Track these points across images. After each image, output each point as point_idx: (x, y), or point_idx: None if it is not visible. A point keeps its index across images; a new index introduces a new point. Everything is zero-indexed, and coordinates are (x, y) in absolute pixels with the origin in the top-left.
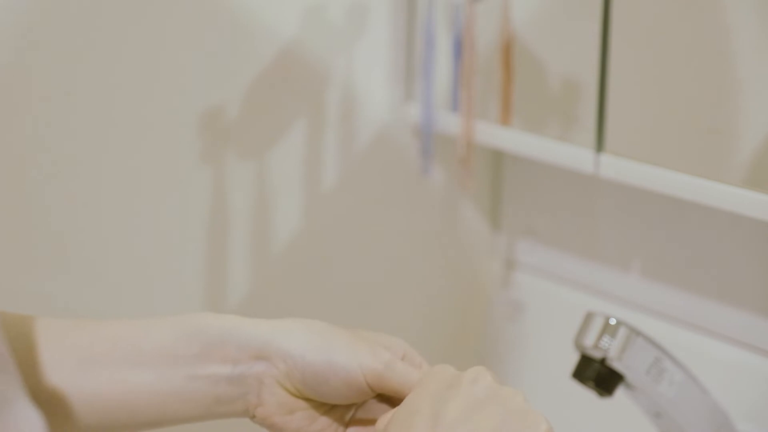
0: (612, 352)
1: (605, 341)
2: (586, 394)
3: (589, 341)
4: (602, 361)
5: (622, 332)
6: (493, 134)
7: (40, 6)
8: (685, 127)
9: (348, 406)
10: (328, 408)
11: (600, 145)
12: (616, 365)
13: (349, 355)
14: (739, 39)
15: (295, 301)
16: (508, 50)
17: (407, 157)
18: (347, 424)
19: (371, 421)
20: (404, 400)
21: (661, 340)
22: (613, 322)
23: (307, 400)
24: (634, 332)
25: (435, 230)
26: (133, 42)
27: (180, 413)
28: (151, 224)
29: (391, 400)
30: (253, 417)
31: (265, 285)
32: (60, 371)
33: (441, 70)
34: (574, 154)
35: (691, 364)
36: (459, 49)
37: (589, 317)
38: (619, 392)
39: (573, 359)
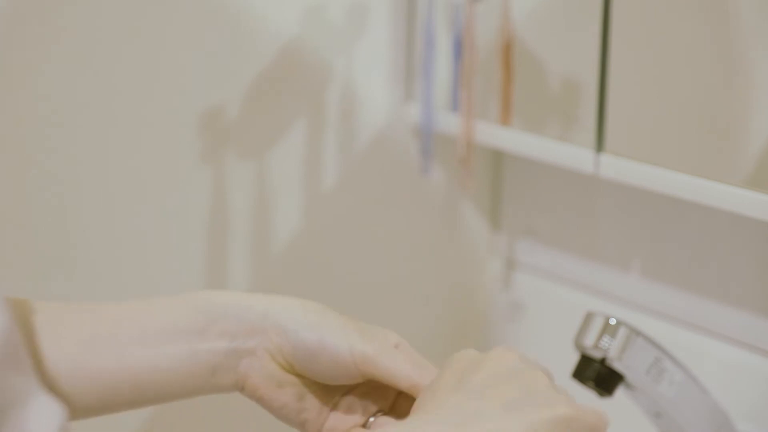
0: (612, 352)
1: (605, 341)
2: (586, 394)
3: (589, 341)
4: (602, 361)
5: (622, 332)
6: (493, 134)
7: (40, 5)
8: (685, 127)
9: (336, 391)
10: (316, 388)
11: (600, 145)
12: (616, 365)
13: (341, 335)
14: (740, 39)
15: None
16: (508, 50)
17: (407, 157)
18: (332, 409)
19: (355, 410)
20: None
21: (661, 340)
22: (613, 322)
23: (297, 376)
24: (634, 332)
25: (435, 230)
26: (133, 42)
27: (177, 389)
28: (152, 224)
29: (382, 390)
30: (242, 389)
31: (265, 285)
32: (60, 352)
33: (441, 70)
34: (574, 154)
35: (691, 364)
36: (459, 49)
37: (589, 317)
38: (619, 392)
39: (573, 359)
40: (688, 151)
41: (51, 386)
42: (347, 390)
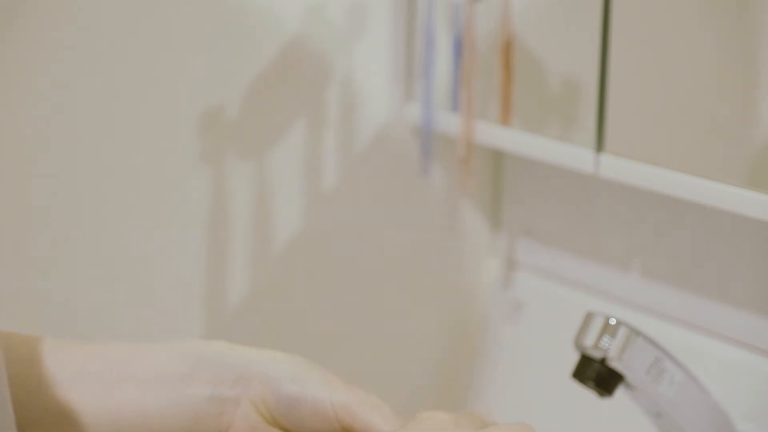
0: (612, 352)
1: (605, 341)
2: (586, 394)
3: (589, 341)
4: (602, 361)
5: (622, 332)
6: (493, 134)
7: (40, 5)
8: (685, 127)
9: None
10: None
11: (600, 145)
12: (616, 365)
13: (323, 385)
14: (740, 38)
15: (295, 301)
16: (508, 50)
17: (407, 157)
18: None
19: None
20: None
21: (661, 340)
22: (613, 322)
23: (279, 429)
24: (634, 332)
25: (435, 230)
26: (133, 42)
27: (162, 431)
28: (151, 224)
29: None
30: None
31: (264, 285)
32: (50, 387)
33: (441, 70)
34: (574, 154)
35: (691, 364)
36: (459, 49)
37: (589, 317)
38: (619, 392)
39: (573, 359)
40: (688, 151)
41: (42, 419)
42: None
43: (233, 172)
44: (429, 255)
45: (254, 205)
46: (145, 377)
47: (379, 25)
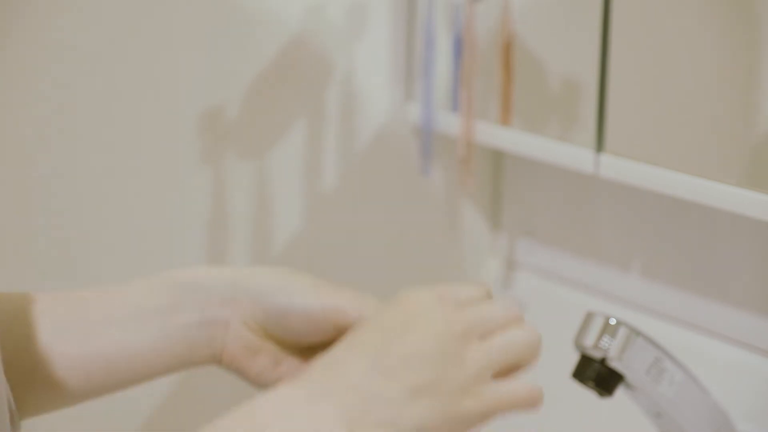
0: (612, 352)
1: (605, 341)
2: (586, 394)
3: (589, 341)
4: (602, 361)
5: (622, 332)
6: (493, 134)
7: (41, 5)
8: (685, 127)
9: (314, 351)
10: (294, 352)
11: (600, 145)
12: (616, 365)
13: (311, 292)
14: (740, 38)
15: None
16: (508, 50)
17: (407, 157)
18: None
19: None
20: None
21: (661, 340)
22: (613, 322)
23: (272, 342)
24: (634, 332)
25: (435, 230)
26: (133, 42)
27: (156, 366)
28: (152, 224)
29: None
30: (219, 362)
31: None
32: (36, 340)
33: (441, 70)
34: (574, 154)
35: (691, 364)
36: (459, 49)
37: (589, 317)
38: (619, 392)
39: (573, 359)
40: (688, 151)
41: (34, 372)
42: (326, 348)
43: (233, 172)
44: (429, 255)
45: (254, 205)
46: (127, 316)
47: (379, 25)
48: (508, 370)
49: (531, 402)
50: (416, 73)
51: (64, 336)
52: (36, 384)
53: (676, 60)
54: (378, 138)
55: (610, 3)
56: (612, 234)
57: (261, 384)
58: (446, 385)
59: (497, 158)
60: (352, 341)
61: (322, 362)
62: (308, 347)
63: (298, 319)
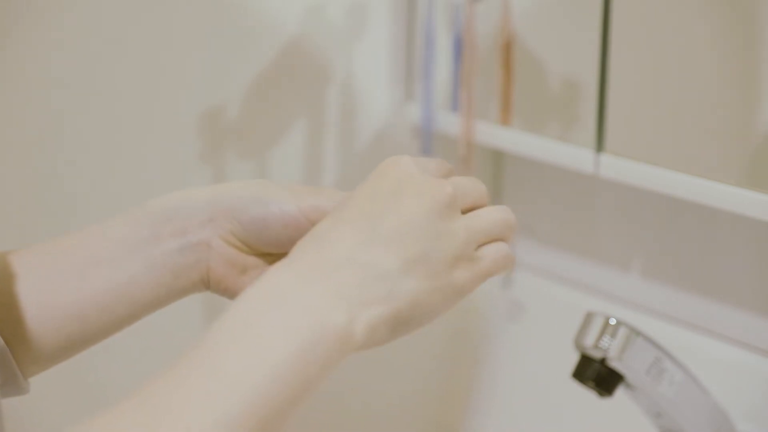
0: (612, 352)
1: (605, 341)
2: (586, 394)
3: (589, 341)
4: (602, 361)
5: (622, 332)
6: (493, 134)
7: (41, 5)
8: (685, 127)
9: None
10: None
11: (600, 145)
12: (616, 365)
13: (287, 197)
14: (740, 38)
15: None
16: (508, 50)
17: None
18: None
19: None
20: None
21: (661, 340)
22: (613, 322)
23: (257, 255)
24: (634, 332)
25: None
26: (134, 43)
27: (146, 301)
28: None
29: None
30: (208, 286)
31: None
32: (25, 294)
33: (441, 70)
34: (574, 154)
35: (691, 364)
36: (459, 49)
37: (589, 317)
38: (619, 392)
39: (573, 359)
40: (688, 151)
41: (27, 336)
42: None
43: (233, 172)
44: None
45: None
46: (111, 255)
47: (379, 25)
48: (486, 243)
49: (509, 264)
50: (416, 73)
51: (53, 286)
52: (34, 339)
53: (676, 60)
54: (378, 138)
55: (610, 3)
56: (612, 234)
57: None
58: (438, 256)
59: (497, 158)
60: (339, 216)
61: (309, 240)
62: None
63: (278, 226)
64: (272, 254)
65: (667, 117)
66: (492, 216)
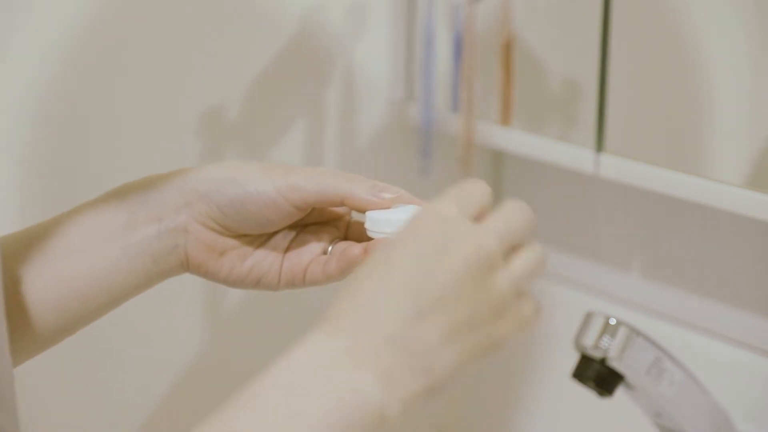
0: (612, 352)
1: (605, 341)
2: (586, 394)
3: (589, 341)
4: (602, 361)
5: (622, 332)
6: (493, 134)
7: (42, 5)
8: (684, 127)
9: (284, 235)
10: (260, 241)
11: (600, 145)
12: (616, 365)
13: (262, 177)
14: (740, 39)
15: (295, 301)
16: (508, 50)
17: (407, 157)
18: (286, 251)
19: (309, 244)
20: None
21: (661, 340)
22: (613, 322)
23: (236, 237)
24: (634, 332)
25: None
26: (134, 43)
27: (127, 286)
28: None
29: (330, 223)
30: (188, 268)
31: None
32: (8, 285)
33: (441, 70)
34: (574, 154)
35: (691, 364)
36: (459, 49)
37: (589, 317)
38: (619, 392)
39: (573, 359)
40: (688, 151)
41: (9, 325)
42: (295, 232)
43: None
44: None
45: None
46: (88, 243)
47: (379, 25)
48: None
49: (540, 313)
50: (416, 73)
51: (33, 276)
52: (15, 331)
53: (676, 59)
54: (378, 138)
55: (610, 3)
56: (612, 234)
57: (236, 284)
58: (480, 316)
59: (497, 158)
60: (384, 278)
61: (353, 301)
62: (274, 234)
63: (255, 207)
64: (249, 235)
65: (667, 117)
66: (532, 262)
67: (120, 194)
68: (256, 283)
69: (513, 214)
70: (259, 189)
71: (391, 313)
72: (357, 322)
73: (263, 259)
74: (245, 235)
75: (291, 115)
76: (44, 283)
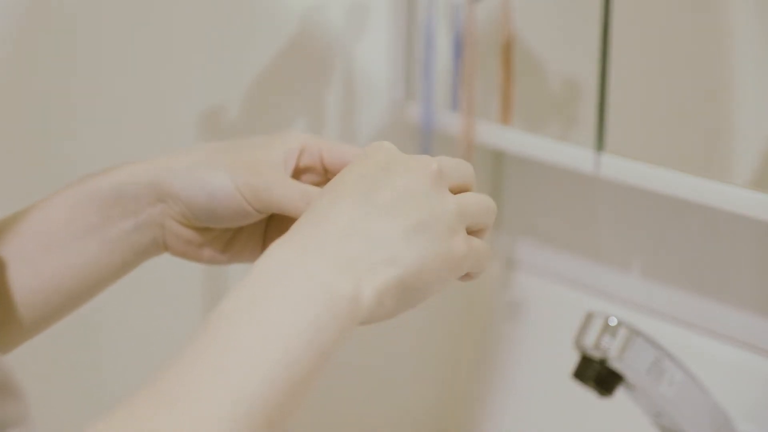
0: (612, 352)
1: (605, 341)
2: (586, 394)
3: (589, 341)
4: (602, 362)
5: (622, 332)
6: (493, 134)
7: (44, 6)
8: (685, 127)
9: (262, 222)
10: (238, 230)
11: (600, 144)
12: (617, 365)
13: (228, 179)
14: (741, 37)
15: None
16: (508, 49)
17: None
18: (264, 237)
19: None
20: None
21: (661, 340)
22: (613, 322)
23: (214, 230)
24: (634, 332)
25: None
26: (134, 43)
27: (104, 277)
28: None
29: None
30: (169, 252)
31: None
32: None
33: (441, 69)
34: (574, 154)
35: (691, 364)
36: (459, 48)
37: (589, 317)
38: (619, 392)
39: (573, 359)
40: (688, 150)
41: None
42: (279, 218)
43: None
44: None
45: None
46: (65, 238)
47: (379, 25)
48: (470, 231)
49: (489, 258)
50: (416, 72)
51: (12, 272)
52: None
53: (677, 59)
54: (378, 138)
55: (610, 3)
56: (612, 234)
57: (218, 263)
58: (436, 224)
59: (497, 158)
60: (334, 194)
61: (307, 217)
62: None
63: (221, 209)
64: (227, 227)
65: (667, 117)
66: (478, 199)
67: (85, 189)
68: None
69: (459, 164)
70: (227, 192)
71: (344, 213)
72: (310, 228)
73: (243, 249)
74: (223, 228)
75: (291, 115)
76: (23, 281)
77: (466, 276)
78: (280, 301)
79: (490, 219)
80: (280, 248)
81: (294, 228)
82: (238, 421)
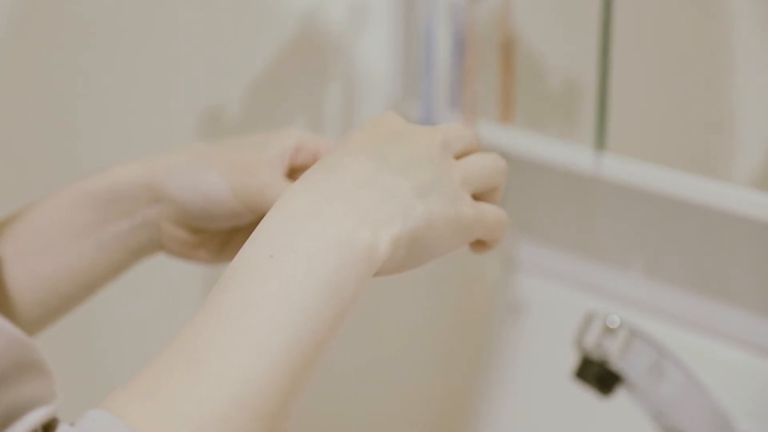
0: (612, 352)
1: (605, 342)
2: (586, 394)
3: (589, 341)
4: (602, 362)
5: (622, 333)
6: (493, 133)
7: (44, 7)
8: (685, 127)
9: (259, 221)
10: (233, 231)
11: (600, 144)
12: (617, 366)
13: (222, 181)
14: (741, 37)
15: None
16: (508, 49)
17: None
18: None
19: None
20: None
21: (661, 340)
22: (613, 322)
23: (209, 231)
24: (635, 332)
25: None
26: (134, 43)
27: (100, 277)
28: None
29: None
30: (165, 252)
31: None
32: None
33: (441, 68)
34: (575, 154)
35: (691, 364)
36: (459, 47)
37: (589, 317)
38: (620, 392)
39: (573, 359)
40: (688, 150)
41: None
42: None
43: None
44: None
45: None
46: (61, 240)
47: (379, 25)
48: (480, 194)
49: (504, 225)
50: (417, 71)
51: (10, 273)
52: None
53: (677, 59)
54: None
55: (610, 3)
56: (612, 234)
57: (214, 263)
58: (444, 187)
59: None
60: (347, 149)
61: (321, 167)
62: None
63: (216, 212)
64: (223, 228)
65: (668, 116)
66: (484, 161)
67: (80, 190)
68: None
69: (460, 130)
70: (221, 196)
71: (359, 165)
72: (325, 176)
73: (239, 249)
74: (218, 229)
75: (291, 114)
76: (19, 281)
77: (481, 245)
78: (302, 253)
79: (498, 179)
80: (295, 196)
81: (307, 176)
82: (262, 382)
